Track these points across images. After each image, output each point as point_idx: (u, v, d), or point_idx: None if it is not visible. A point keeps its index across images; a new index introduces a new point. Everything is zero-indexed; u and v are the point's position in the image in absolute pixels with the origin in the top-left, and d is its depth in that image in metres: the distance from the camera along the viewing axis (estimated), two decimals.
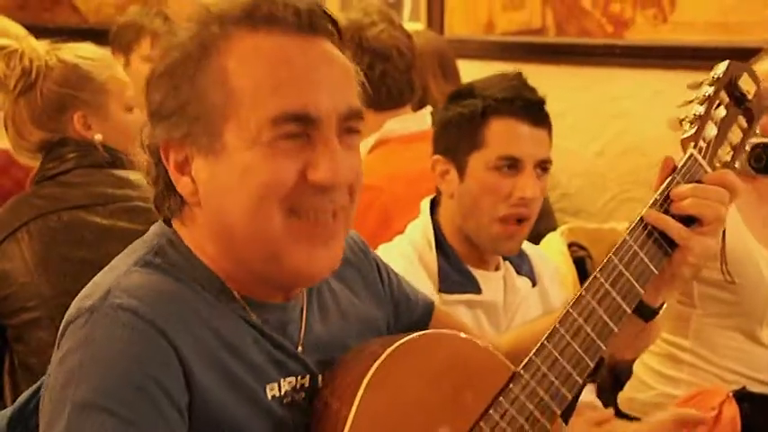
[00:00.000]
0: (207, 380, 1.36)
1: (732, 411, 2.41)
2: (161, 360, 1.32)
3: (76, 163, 2.54)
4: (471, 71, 3.95)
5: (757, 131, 1.74)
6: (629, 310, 1.58)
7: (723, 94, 1.69)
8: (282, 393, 1.44)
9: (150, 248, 1.44)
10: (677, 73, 3.64)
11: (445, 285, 2.32)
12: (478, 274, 2.36)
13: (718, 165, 1.68)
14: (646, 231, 1.60)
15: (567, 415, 1.54)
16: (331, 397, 1.45)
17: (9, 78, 2.55)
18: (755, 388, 2.66)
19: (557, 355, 1.52)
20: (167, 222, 1.48)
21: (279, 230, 1.38)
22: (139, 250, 1.45)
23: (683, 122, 1.67)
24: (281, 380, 1.44)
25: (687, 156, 1.64)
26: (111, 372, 1.31)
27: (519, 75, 2.34)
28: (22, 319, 2.45)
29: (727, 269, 1.70)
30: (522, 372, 1.50)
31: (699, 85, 1.70)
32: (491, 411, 1.48)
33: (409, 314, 1.71)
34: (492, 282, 2.37)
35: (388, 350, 1.43)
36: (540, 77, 2.35)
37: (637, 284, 1.58)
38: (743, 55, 2.31)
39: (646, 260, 1.59)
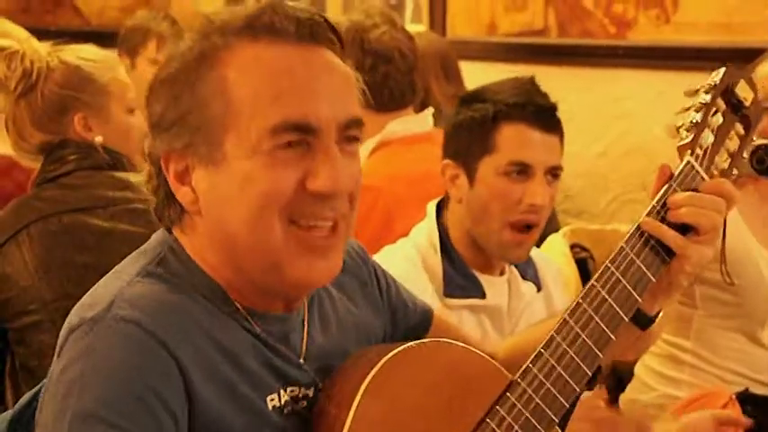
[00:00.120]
0: (207, 391, 1.36)
1: (735, 414, 2.41)
2: (161, 371, 1.33)
3: (77, 165, 2.53)
4: (474, 72, 3.96)
5: (754, 138, 1.73)
6: (626, 319, 1.58)
7: (720, 101, 1.69)
8: (283, 403, 1.44)
9: (152, 258, 1.44)
10: (680, 74, 3.64)
11: (449, 289, 2.30)
12: (483, 278, 2.34)
13: (715, 172, 1.67)
14: (643, 239, 1.59)
15: (563, 423, 1.54)
16: (329, 404, 1.46)
17: (10, 80, 2.54)
18: (757, 389, 2.66)
19: (553, 363, 1.51)
20: (169, 230, 1.48)
21: (279, 240, 1.38)
22: (142, 259, 1.45)
23: (680, 130, 1.67)
24: (282, 390, 1.45)
25: (684, 163, 1.64)
26: (111, 382, 1.31)
27: (532, 79, 2.32)
28: (23, 322, 2.45)
29: (727, 270, 1.70)
30: (519, 380, 1.50)
31: (695, 92, 1.69)
32: (488, 420, 1.47)
33: (406, 321, 1.71)
34: (497, 286, 2.36)
35: (386, 358, 1.43)
36: (543, 78, 2.34)
37: (634, 292, 1.58)
38: (746, 55, 2.31)
39: (643, 268, 1.59)
